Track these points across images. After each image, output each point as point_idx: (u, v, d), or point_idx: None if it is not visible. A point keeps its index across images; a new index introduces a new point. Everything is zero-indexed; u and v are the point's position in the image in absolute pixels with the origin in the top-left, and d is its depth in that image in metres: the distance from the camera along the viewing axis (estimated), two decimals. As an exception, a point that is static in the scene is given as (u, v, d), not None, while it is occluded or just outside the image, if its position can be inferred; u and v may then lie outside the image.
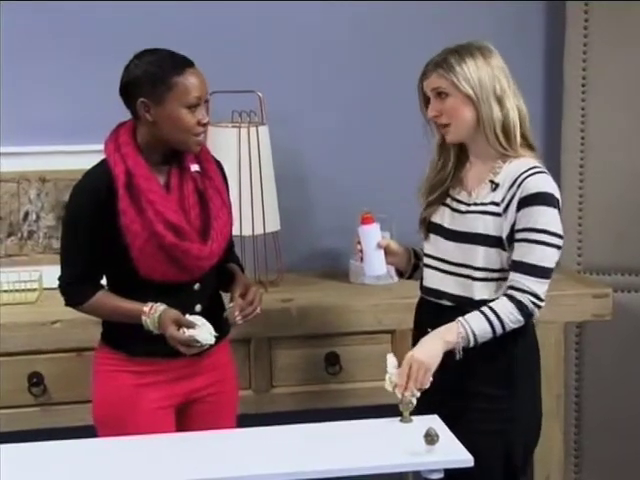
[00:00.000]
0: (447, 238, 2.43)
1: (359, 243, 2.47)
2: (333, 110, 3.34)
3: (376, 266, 2.48)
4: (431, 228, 2.48)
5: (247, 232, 3.08)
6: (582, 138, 3.41)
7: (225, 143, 3.08)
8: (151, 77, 2.34)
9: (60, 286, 2.46)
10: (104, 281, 2.48)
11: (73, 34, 3.17)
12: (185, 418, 2.52)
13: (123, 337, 2.42)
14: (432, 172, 2.48)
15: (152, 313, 2.35)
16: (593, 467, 3.50)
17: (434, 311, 2.46)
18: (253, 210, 3.07)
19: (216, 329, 2.43)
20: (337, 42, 3.32)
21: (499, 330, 2.31)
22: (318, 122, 3.32)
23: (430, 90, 2.39)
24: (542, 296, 2.32)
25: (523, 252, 2.31)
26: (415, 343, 2.57)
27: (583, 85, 3.38)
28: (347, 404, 3.00)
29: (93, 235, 2.37)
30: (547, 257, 2.31)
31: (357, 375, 3.01)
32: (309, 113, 3.31)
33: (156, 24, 3.18)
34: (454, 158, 2.46)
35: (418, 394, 2.28)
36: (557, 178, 3.33)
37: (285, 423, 2.33)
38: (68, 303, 2.47)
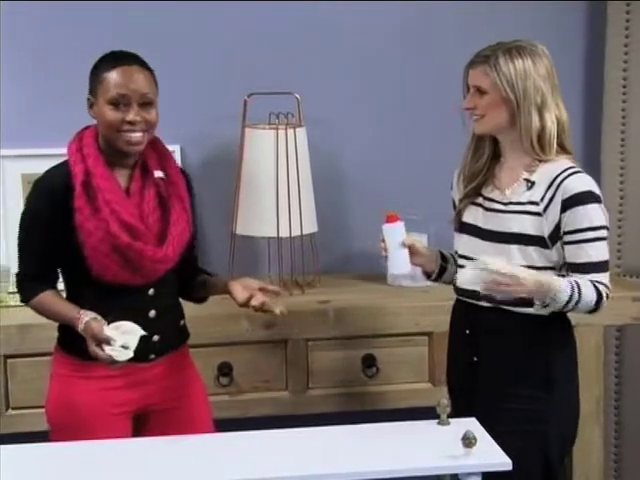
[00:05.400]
0: (483, 238, 2.42)
1: (383, 241, 2.48)
2: (371, 111, 3.33)
3: (399, 264, 2.49)
4: (466, 229, 2.47)
5: (284, 234, 3.08)
6: (622, 140, 3.37)
7: (262, 145, 3.08)
8: (91, 73, 2.38)
9: (16, 282, 2.47)
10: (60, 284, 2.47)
11: (106, 39, 3.18)
12: (145, 429, 2.48)
13: (77, 341, 2.37)
14: (470, 159, 2.47)
15: (80, 322, 2.31)
16: (633, 472, 3.46)
17: (471, 312, 2.45)
18: (290, 212, 3.07)
19: (171, 337, 2.45)
20: (375, 44, 3.30)
21: (570, 307, 2.30)
22: (355, 124, 3.31)
23: (472, 85, 2.39)
24: (610, 287, 2.35)
25: (584, 253, 2.32)
26: (451, 345, 2.56)
27: (624, 86, 3.35)
28: (384, 406, 2.99)
29: (48, 233, 2.36)
30: (603, 251, 2.34)
31: (394, 377, 3.00)
32: (347, 115, 3.30)
33: (192, 27, 3.20)
34: (489, 151, 2.46)
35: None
36: (597, 179, 3.27)
37: (321, 425, 2.33)
38: (21, 300, 2.48)
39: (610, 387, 3.40)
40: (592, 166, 3.31)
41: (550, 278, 2.31)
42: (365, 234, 3.36)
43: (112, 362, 2.28)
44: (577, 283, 2.30)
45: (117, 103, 2.32)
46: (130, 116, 2.32)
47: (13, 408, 2.87)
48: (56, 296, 2.42)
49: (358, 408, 2.98)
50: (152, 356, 2.44)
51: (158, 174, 2.42)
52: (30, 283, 2.44)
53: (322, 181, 3.22)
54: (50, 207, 2.35)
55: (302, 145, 3.10)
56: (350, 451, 2.17)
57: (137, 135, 2.34)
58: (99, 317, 2.31)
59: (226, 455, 2.18)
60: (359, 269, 3.34)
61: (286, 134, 3.06)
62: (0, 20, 3.12)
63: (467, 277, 2.40)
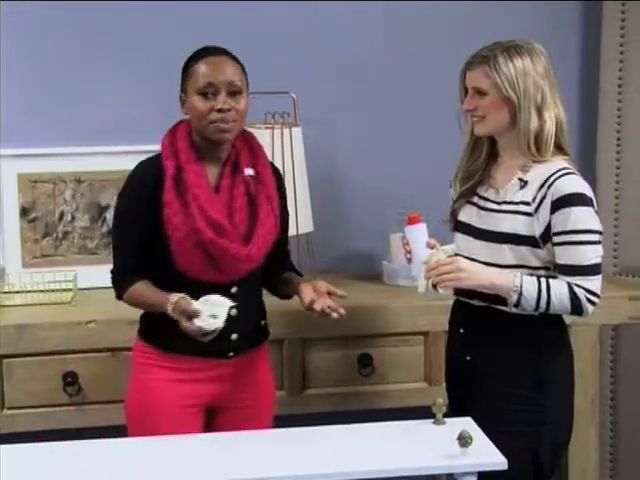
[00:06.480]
0: (476, 237, 2.43)
1: (407, 244, 2.47)
2: (366, 111, 3.33)
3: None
4: (461, 228, 2.48)
5: (280, 233, 3.08)
6: (618, 139, 3.38)
7: (259, 144, 3.08)
8: (182, 70, 2.42)
9: (111, 278, 2.48)
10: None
11: (105, 38, 3.19)
12: (215, 425, 2.50)
13: (159, 333, 2.41)
14: (467, 160, 2.47)
15: (170, 302, 2.33)
16: (629, 471, 3.47)
17: (466, 311, 2.45)
18: (286, 211, 3.07)
19: (250, 336, 2.46)
20: (370, 44, 3.31)
21: (543, 306, 2.30)
22: (351, 123, 3.32)
23: (471, 86, 2.38)
24: (597, 291, 2.32)
25: (568, 255, 2.30)
26: (448, 344, 2.57)
27: (619, 86, 3.35)
28: (380, 406, 2.99)
29: (140, 227, 2.38)
30: (592, 255, 2.31)
31: (390, 377, 3.00)
32: (342, 114, 3.30)
33: (190, 27, 3.20)
34: (487, 151, 2.46)
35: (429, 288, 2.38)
36: (593, 178, 3.31)
37: (317, 424, 2.33)
38: (116, 295, 2.48)
39: (606, 386, 3.41)
40: (588, 165, 3.31)
41: (501, 277, 2.31)
42: (361, 234, 3.37)
43: (204, 334, 2.29)
44: (547, 282, 2.30)
45: (206, 93, 2.35)
46: (219, 104, 2.34)
47: (9, 408, 2.87)
48: (146, 285, 2.42)
49: (354, 408, 2.98)
50: (231, 354, 2.45)
51: (249, 172, 2.43)
52: (124, 277, 2.44)
53: (318, 180, 3.22)
54: (141, 200, 2.37)
55: (298, 144, 3.10)
56: (345, 451, 2.17)
57: (226, 125, 2.36)
58: (187, 297, 2.31)
59: (224, 455, 2.18)
60: (356, 269, 3.34)
61: (282, 133, 3.06)
62: (0, 20, 3.12)
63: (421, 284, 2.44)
